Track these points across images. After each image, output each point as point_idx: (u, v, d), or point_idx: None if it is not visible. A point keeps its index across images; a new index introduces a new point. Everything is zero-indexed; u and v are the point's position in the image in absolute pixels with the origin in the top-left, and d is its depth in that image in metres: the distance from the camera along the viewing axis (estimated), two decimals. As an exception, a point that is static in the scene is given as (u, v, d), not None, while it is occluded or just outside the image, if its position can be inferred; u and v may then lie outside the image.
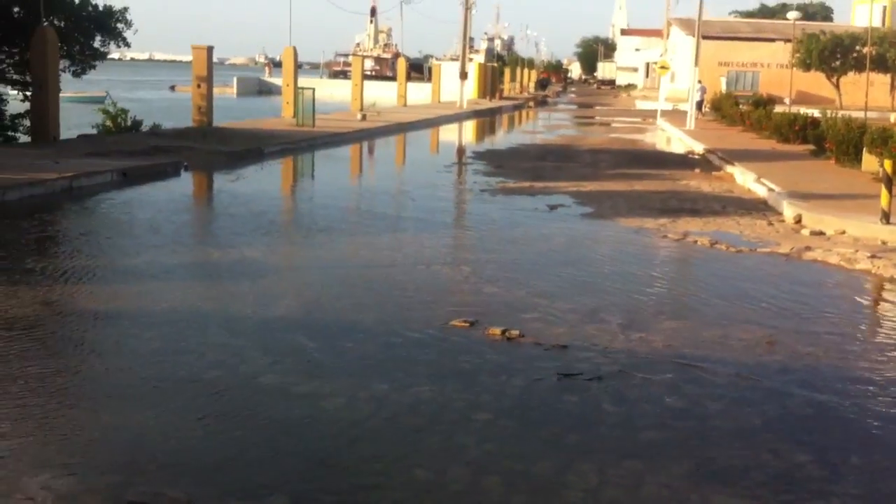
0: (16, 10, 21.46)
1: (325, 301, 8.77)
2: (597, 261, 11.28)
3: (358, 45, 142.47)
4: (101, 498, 4.77)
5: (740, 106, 38.90)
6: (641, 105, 66.05)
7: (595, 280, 10.13)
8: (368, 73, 77.55)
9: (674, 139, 34.39)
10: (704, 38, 40.00)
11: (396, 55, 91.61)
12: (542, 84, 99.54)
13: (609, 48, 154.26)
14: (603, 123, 45.62)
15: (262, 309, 8.38)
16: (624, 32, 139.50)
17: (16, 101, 22.96)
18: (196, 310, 8.36)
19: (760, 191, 17.55)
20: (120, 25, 23.00)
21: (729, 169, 21.67)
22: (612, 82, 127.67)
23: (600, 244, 12.45)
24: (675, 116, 42.51)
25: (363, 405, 6.13)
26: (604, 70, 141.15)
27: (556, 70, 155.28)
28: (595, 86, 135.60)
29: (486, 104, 55.78)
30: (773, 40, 67.04)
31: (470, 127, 40.33)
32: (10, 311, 7.94)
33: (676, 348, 7.64)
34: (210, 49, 27.28)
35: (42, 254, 10.59)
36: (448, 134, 35.65)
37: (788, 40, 54.46)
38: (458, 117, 43.92)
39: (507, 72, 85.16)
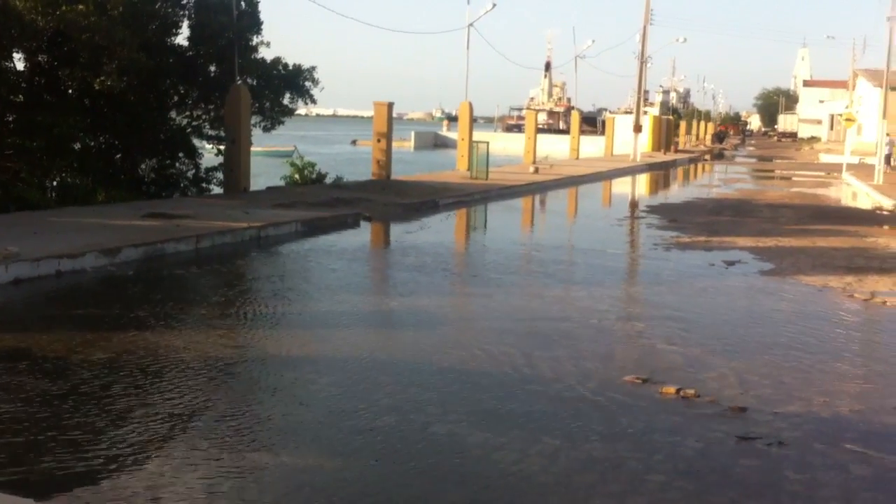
0: (212, 69, 22.93)
1: (496, 353, 8.84)
2: (777, 320, 10.88)
3: (532, 99, 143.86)
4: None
5: (935, 160, 36.84)
6: (825, 158, 63.54)
7: (775, 340, 9.77)
8: (541, 126, 78.19)
9: (860, 194, 32.87)
10: (893, 89, 38.20)
11: (569, 108, 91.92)
12: (718, 137, 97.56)
13: (790, 100, 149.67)
14: (783, 177, 44.15)
15: (435, 358, 8.54)
16: (807, 84, 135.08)
17: (210, 155, 24.44)
18: (372, 357, 8.61)
19: (958, 250, 16.51)
20: (307, 83, 24.14)
21: (922, 226, 20.52)
22: (793, 135, 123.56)
23: (781, 303, 12.00)
24: (862, 170, 40.69)
25: (535, 459, 6.13)
26: (785, 122, 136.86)
27: (734, 122, 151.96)
28: (775, 138, 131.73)
29: (661, 157, 55.09)
30: (971, 90, 63.24)
31: (643, 180, 39.90)
32: (200, 353, 8.42)
33: (863, 414, 7.27)
34: (390, 105, 28.26)
35: (230, 299, 11.19)
36: (621, 187, 35.39)
37: None
38: (632, 170, 43.55)
39: (683, 124, 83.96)
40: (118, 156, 21.89)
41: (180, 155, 22.91)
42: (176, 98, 23.05)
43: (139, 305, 10.38)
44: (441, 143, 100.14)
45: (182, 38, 22.49)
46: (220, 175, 23.05)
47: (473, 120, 36.20)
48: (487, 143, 31.03)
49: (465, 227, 21.18)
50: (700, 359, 8.83)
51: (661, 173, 45.17)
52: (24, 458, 5.85)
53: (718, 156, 69.15)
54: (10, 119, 18.98)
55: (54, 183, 20.05)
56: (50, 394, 7.09)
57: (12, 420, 6.50)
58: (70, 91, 20.03)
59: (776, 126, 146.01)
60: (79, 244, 12.81)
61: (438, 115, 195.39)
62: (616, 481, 5.82)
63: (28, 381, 7.39)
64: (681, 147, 72.44)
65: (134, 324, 9.48)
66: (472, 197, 25.34)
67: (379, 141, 28.29)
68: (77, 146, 20.23)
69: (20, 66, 19.36)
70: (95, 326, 9.31)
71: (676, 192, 34.57)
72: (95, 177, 20.23)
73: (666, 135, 64.47)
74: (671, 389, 7.65)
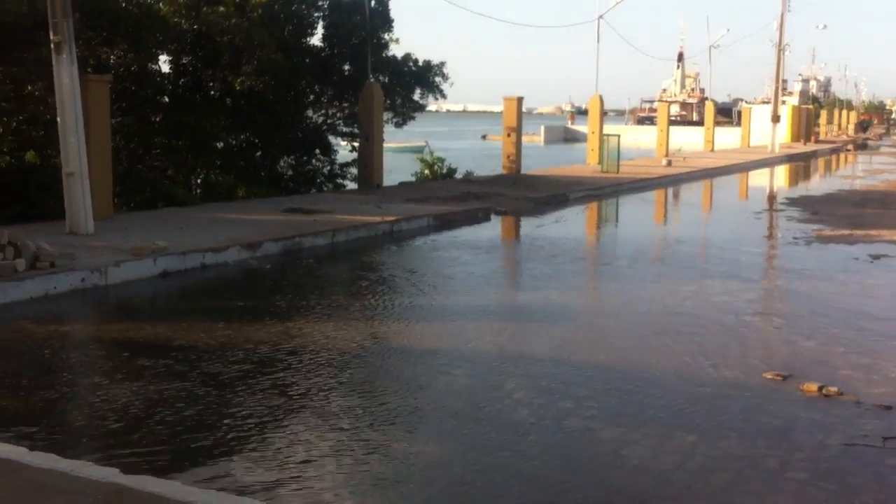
0: (346, 68, 23.43)
1: (629, 346, 8.76)
2: (927, 317, 10.40)
3: (664, 90, 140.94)
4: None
5: None
6: (980, 147, 60.11)
7: (925, 338, 9.35)
8: (674, 118, 76.63)
9: None
10: None
11: (703, 99, 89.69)
12: (862, 126, 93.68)
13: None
14: (934, 167, 42.02)
15: (566, 351, 8.52)
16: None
17: (344, 151, 24.99)
18: (503, 350, 8.66)
19: None
20: (437, 79, 24.37)
21: None
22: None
23: (931, 299, 11.46)
24: None
25: (669, 456, 6.05)
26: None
27: (878, 111, 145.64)
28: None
29: (800, 148, 53.24)
30: None
31: (782, 172, 38.63)
32: (339, 344, 8.66)
33: None
34: (520, 100, 28.28)
35: (364, 291, 11.44)
36: (758, 179, 34.36)
37: None
38: (770, 162, 42.24)
39: (824, 114, 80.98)
40: (258, 153, 22.63)
41: (316, 152, 23.51)
42: (311, 97, 23.65)
43: (279, 296, 10.74)
44: (571, 138, 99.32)
45: (317, 38, 23.08)
46: (354, 171, 23.56)
47: (604, 113, 35.80)
48: (618, 136, 30.65)
49: (597, 220, 21.00)
50: (843, 355, 8.53)
51: (800, 164, 43.65)
52: (173, 436, 6.15)
53: (862, 146, 66.34)
54: (157, 119, 19.86)
55: (199, 180, 20.90)
56: (198, 378, 7.43)
57: (167, 402, 6.83)
58: (212, 91, 20.81)
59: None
60: (222, 238, 13.33)
61: (568, 108, 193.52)
62: (754, 479, 5.69)
63: (178, 366, 7.76)
64: (821, 137, 69.83)
65: (274, 314, 9.81)
66: (603, 190, 25.09)
67: (509, 135, 28.35)
68: (220, 145, 21.04)
69: (165, 68, 20.26)
70: (238, 316, 9.70)
71: (817, 184, 33.34)
72: (237, 174, 20.98)
73: (805, 125, 62.23)
74: (813, 387, 7.42)
